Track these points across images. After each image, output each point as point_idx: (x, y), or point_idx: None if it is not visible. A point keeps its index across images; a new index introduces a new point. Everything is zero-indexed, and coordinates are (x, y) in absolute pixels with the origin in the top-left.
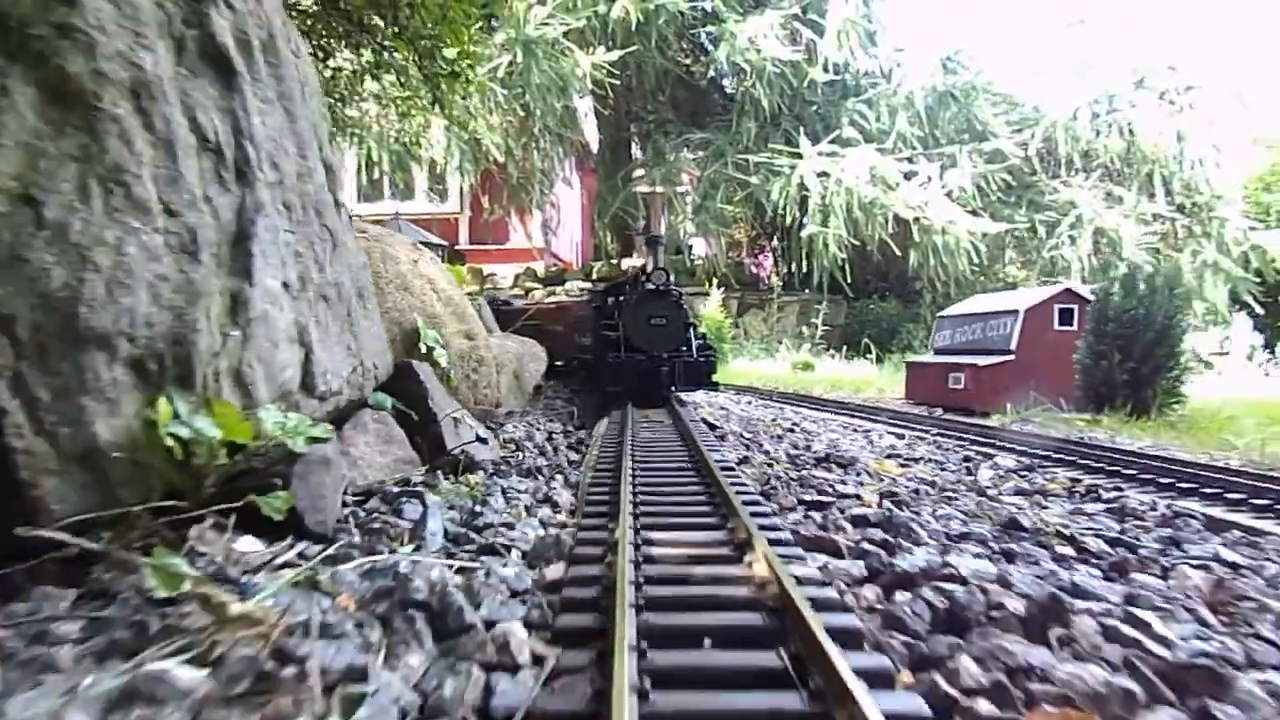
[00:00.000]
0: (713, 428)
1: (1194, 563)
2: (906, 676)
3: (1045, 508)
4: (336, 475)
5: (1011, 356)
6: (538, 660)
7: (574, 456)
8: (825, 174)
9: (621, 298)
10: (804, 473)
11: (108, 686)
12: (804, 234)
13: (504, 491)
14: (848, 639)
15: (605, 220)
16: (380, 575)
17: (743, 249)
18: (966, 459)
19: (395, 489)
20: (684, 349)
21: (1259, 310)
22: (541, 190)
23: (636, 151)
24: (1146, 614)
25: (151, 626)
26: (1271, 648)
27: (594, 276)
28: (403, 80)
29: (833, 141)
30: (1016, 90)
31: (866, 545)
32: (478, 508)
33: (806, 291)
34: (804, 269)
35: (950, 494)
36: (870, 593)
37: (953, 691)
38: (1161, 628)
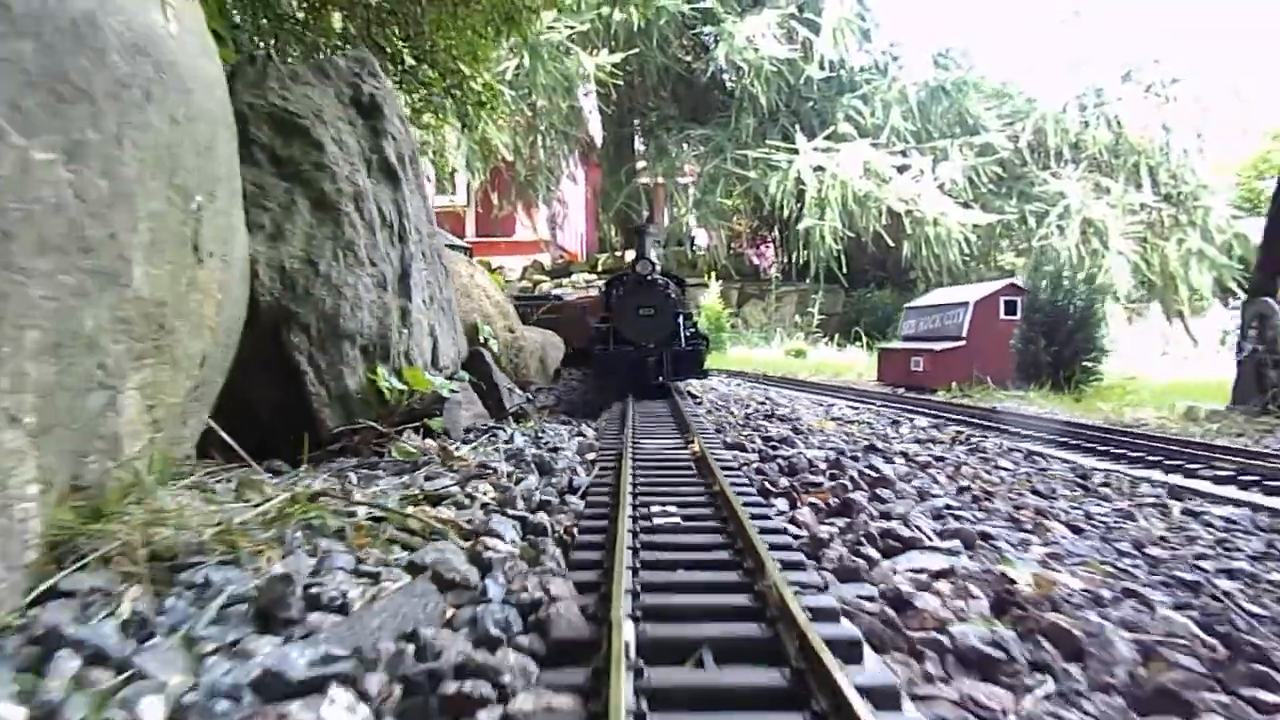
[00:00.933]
0: (695, 399)
1: (968, 463)
2: (749, 485)
3: (928, 446)
4: (461, 410)
5: (963, 343)
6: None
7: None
8: (821, 168)
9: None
10: (752, 424)
11: (406, 480)
12: (800, 226)
13: (550, 429)
14: (731, 475)
15: (609, 214)
16: (508, 452)
17: (743, 241)
18: (895, 421)
19: (483, 427)
20: (674, 339)
21: (1243, 295)
22: (548, 186)
23: (639, 146)
24: (888, 469)
25: (410, 469)
26: (932, 479)
27: (599, 268)
28: (429, 99)
29: (828, 137)
30: (1009, 84)
31: (765, 449)
32: (539, 434)
33: (805, 282)
34: (801, 260)
35: (852, 437)
36: (754, 459)
37: (770, 489)
38: (888, 469)
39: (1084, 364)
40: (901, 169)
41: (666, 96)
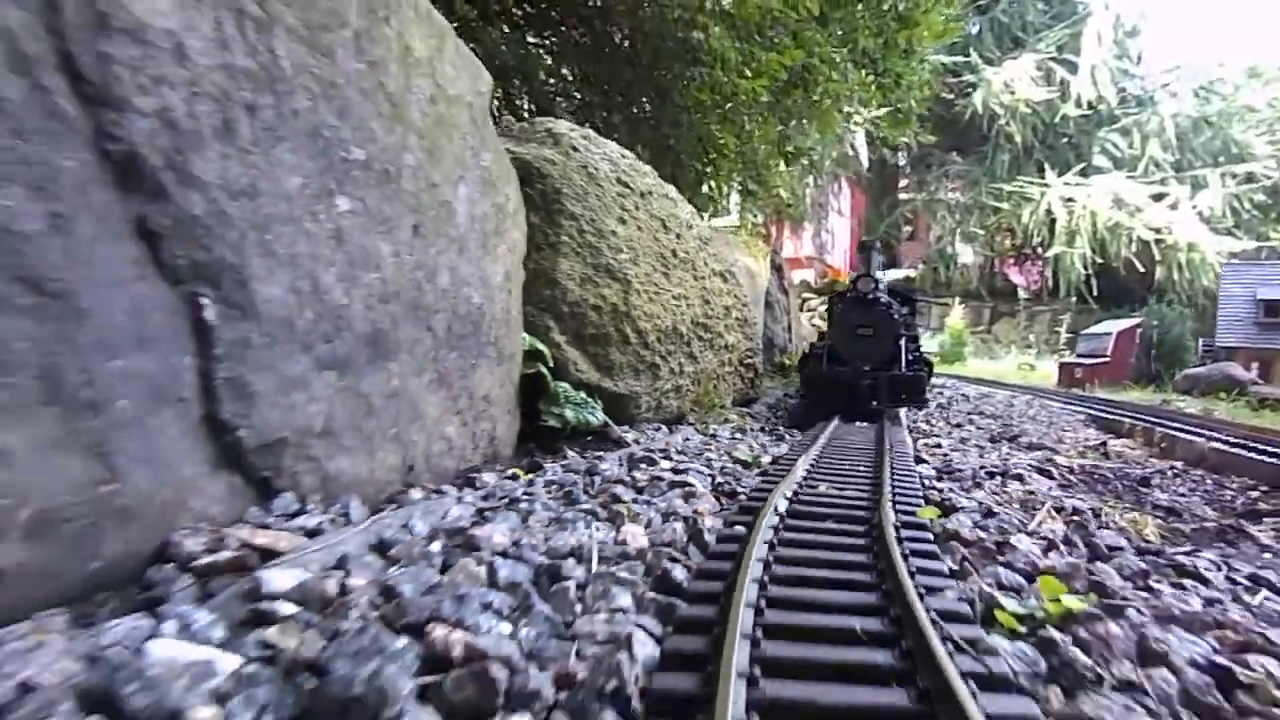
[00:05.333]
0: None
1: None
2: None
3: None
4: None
5: (1107, 359)
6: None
7: None
8: (1071, 200)
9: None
10: (938, 404)
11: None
12: (1050, 253)
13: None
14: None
15: (872, 236)
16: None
17: (996, 263)
18: (1036, 402)
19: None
20: (893, 363)
21: None
22: (818, 218)
23: (902, 180)
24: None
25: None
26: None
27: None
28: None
29: (1082, 171)
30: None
31: (935, 410)
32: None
33: (1056, 301)
34: (1052, 283)
35: (998, 411)
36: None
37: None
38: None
39: (1174, 370)
40: (1157, 198)
41: (930, 129)
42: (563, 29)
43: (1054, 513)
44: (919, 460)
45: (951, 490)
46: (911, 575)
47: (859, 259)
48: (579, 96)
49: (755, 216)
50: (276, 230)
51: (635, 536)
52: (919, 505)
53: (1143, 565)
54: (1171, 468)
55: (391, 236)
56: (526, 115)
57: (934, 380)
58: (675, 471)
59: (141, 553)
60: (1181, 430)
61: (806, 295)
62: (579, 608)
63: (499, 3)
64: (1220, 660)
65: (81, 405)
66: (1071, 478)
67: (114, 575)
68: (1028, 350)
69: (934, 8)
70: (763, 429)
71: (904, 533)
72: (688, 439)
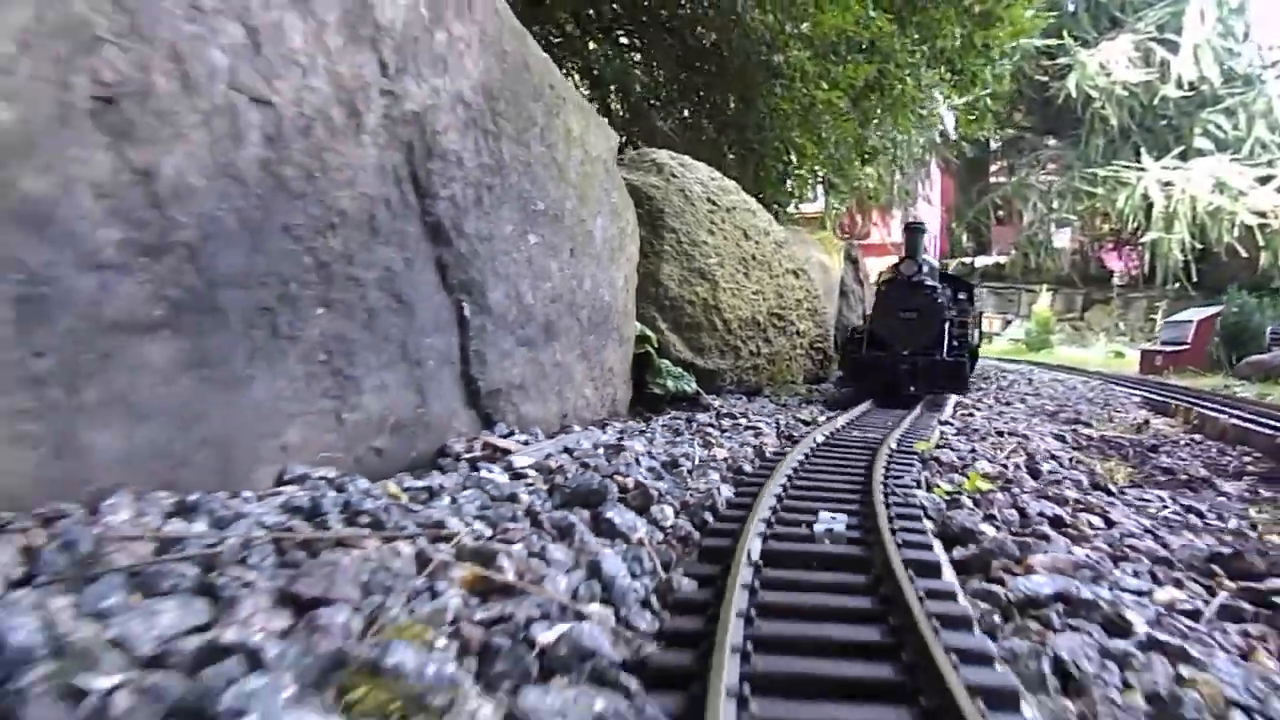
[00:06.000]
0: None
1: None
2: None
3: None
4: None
5: (1187, 346)
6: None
7: None
8: (1169, 184)
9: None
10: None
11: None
12: (1146, 239)
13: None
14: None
15: (961, 223)
16: None
17: (1090, 249)
18: (1103, 387)
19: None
20: (935, 348)
21: None
22: (905, 206)
23: (993, 164)
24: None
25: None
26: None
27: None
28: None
29: (1182, 154)
30: None
31: (985, 387)
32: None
33: (1153, 289)
34: (1148, 269)
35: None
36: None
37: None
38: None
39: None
40: (1263, 180)
41: (1022, 113)
42: (659, 41)
43: (1023, 451)
44: (943, 422)
45: (958, 440)
46: (885, 469)
47: (907, 241)
48: (673, 103)
49: (839, 205)
50: (499, 259)
51: (720, 452)
52: (922, 443)
53: (1059, 480)
54: (1191, 440)
55: (558, 258)
56: (623, 117)
57: (1008, 366)
58: (749, 424)
59: (433, 449)
60: (1214, 410)
61: None
62: (688, 480)
63: (600, 21)
64: (1059, 512)
65: (413, 362)
66: (1086, 443)
67: (420, 460)
68: (1120, 338)
69: (1016, 4)
70: (824, 401)
71: (896, 454)
72: (763, 405)
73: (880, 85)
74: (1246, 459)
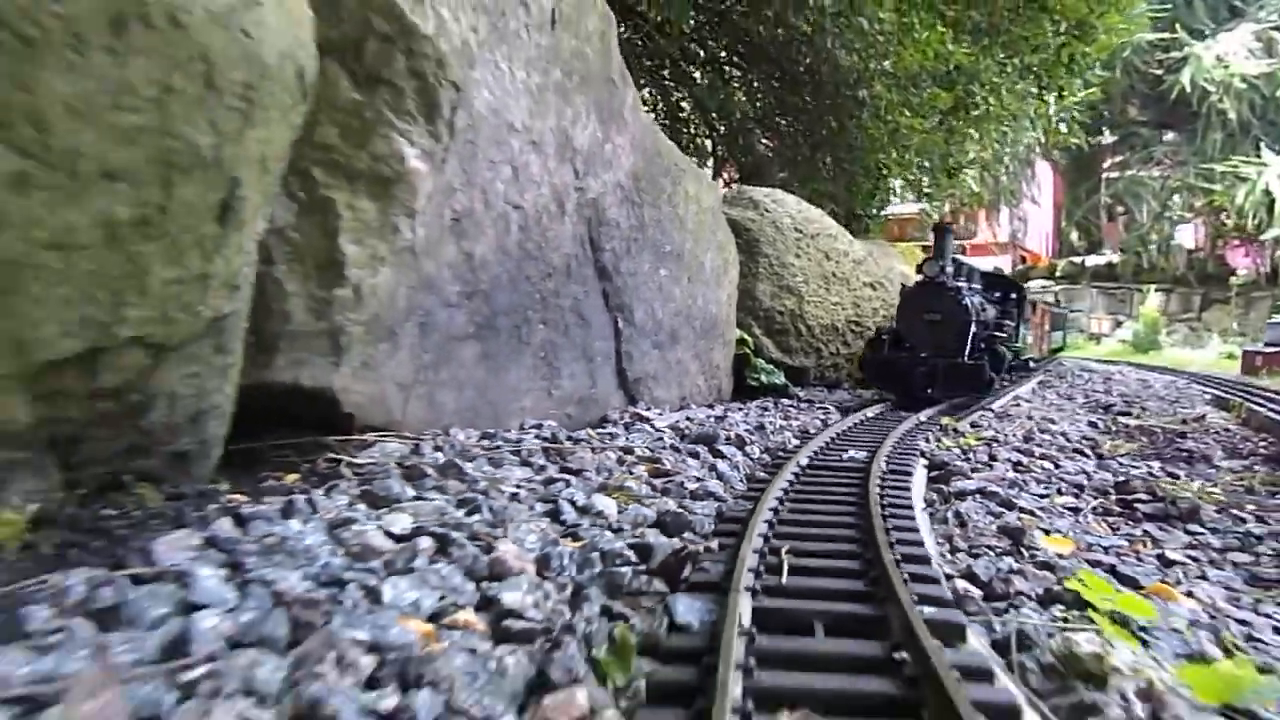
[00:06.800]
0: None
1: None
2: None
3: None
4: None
5: None
6: None
7: None
8: None
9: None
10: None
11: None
12: (1267, 236)
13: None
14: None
15: (1070, 222)
16: None
17: (1207, 247)
18: (1185, 387)
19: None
20: (956, 351)
21: None
22: (1010, 205)
23: (1106, 160)
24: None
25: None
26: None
27: (1056, 274)
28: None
29: None
30: None
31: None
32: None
33: (1276, 287)
34: (1269, 268)
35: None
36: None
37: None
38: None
39: None
40: None
41: (1135, 107)
42: (758, 67)
43: (1035, 428)
44: (985, 407)
45: (985, 418)
46: (907, 431)
47: (934, 243)
48: (772, 125)
49: (932, 213)
50: (640, 288)
51: (794, 422)
52: (947, 418)
53: (1044, 445)
54: (1226, 430)
55: (679, 284)
56: (726, 138)
57: (1100, 366)
58: (820, 406)
59: (599, 417)
60: (1261, 405)
61: None
62: (770, 436)
63: (708, 52)
64: (1020, 459)
65: (589, 359)
66: (1115, 429)
67: (593, 423)
68: (1239, 339)
69: (1109, 12)
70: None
71: (922, 425)
72: (838, 396)
73: (965, 104)
74: (1265, 445)
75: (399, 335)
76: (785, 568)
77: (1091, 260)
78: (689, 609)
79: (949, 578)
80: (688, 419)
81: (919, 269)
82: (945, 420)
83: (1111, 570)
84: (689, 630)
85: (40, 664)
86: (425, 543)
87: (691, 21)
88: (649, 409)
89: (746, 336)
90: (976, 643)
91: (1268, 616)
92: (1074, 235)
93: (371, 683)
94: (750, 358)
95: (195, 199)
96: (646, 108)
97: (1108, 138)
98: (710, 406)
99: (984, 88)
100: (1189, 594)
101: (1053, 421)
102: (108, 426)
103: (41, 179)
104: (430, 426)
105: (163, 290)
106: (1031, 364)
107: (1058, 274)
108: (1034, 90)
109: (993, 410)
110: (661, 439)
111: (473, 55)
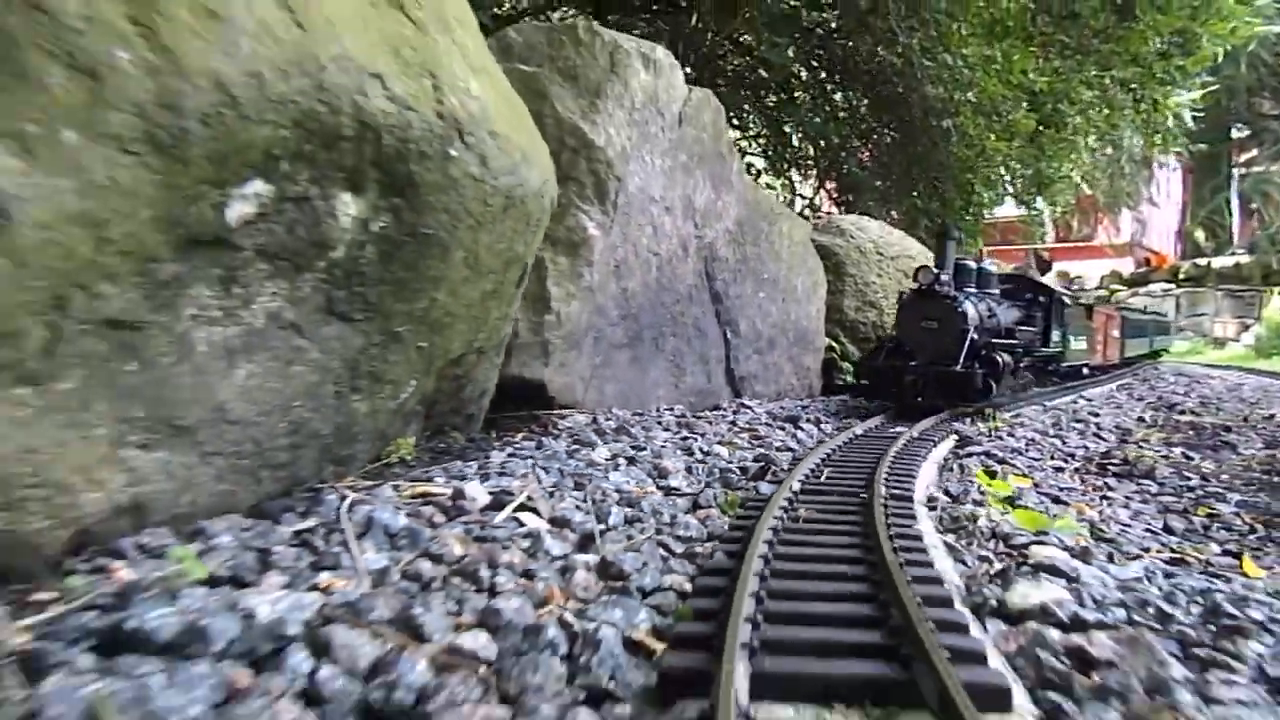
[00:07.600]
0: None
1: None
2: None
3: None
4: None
5: None
6: None
7: None
8: None
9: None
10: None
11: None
12: None
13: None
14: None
15: (1195, 221)
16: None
17: None
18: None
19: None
20: (953, 359)
21: None
22: (1129, 208)
23: (1237, 156)
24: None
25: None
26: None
27: (1179, 276)
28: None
29: None
30: None
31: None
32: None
33: None
34: None
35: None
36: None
37: None
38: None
39: None
40: None
41: (1268, 101)
42: (854, 89)
43: (1064, 416)
44: (1033, 401)
45: (1030, 409)
46: (947, 415)
47: (935, 248)
48: (868, 145)
49: (1030, 222)
50: (744, 308)
51: (864, 410)
52: (989, 408)
53: (1066, 427)
54: (1277, 426)
55: (776, 304)
56: (821, 161)
57: (1200, 371)
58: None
59: (713, 405)
60: None
61: (1115, 286)
62: (841, 419)
63: (812, 76)
64: (1035, 437)
65: (705, 362)
66: (1163, 421)
67: (707, 409)
68: None
69: (1214, 21)
70: None
71: (963, 412)
72: None
73: (1053, 123)
74: None
75: (581, 345)
76: (824, 475)
77: (1219, 262)
78: (766, 488)
79: (939, 494)
80: (780, 407)
81: (914, 276)
82: (988, 410)
83: (1055, 499)
84: (764, 495)
85: (499, 481)
86: (621, 462)
87: (791, 51)
88: (751, 400)
89: (834, 344)
90: (927, 521)
91: (1141, 521)
92: (1200, 235)
93: (621, 501)
94: (837, 361)
95: (512, 277)
96: (753, 131)
97: (1236, 133)
98: (800, 399)
99: (1073, 105)
100: (1100, 512)
101: (1096, 414)
102: (448, 396)
103: (469, 276)
104: (599, 406)
105: (492, 323)
106: (1086, 370)
107: (1181, 276)
108: (1130, 103)
109: (1044, 403)
110: (759, 418)
111: (628, 154)
